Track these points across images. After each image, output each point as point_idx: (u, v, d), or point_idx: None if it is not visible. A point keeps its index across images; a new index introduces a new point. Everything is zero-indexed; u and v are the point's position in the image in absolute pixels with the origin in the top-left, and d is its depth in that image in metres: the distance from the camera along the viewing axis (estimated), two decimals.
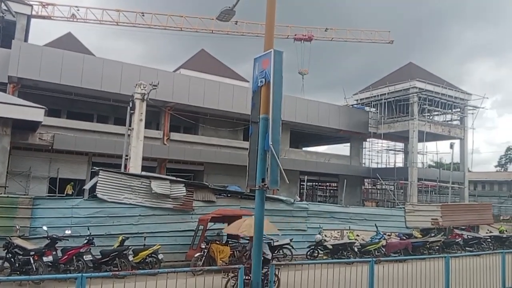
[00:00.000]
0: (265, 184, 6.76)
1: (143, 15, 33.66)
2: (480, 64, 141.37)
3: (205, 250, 11.89)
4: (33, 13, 27.42)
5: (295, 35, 38.78)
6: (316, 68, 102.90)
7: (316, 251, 14.87)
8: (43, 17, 31.53)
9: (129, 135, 19.20)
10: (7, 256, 9.86)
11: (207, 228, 12.54)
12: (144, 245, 11.90)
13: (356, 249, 14.95)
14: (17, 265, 9.74)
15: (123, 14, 33.30)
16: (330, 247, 14.65)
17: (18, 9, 21.49)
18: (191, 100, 26.39)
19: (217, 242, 12.51)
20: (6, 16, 14.59)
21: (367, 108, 37.07)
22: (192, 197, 13.73)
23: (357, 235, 16.54)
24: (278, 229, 14.80)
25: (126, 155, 19.16)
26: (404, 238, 17.16)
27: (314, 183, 42.40)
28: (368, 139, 37.37)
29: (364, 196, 38.98)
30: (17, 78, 22.00)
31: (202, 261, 11.74)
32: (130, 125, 19.28)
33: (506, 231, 22.27)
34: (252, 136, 7.26)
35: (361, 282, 7.39)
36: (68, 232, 10.81)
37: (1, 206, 10.95)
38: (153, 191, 12.89)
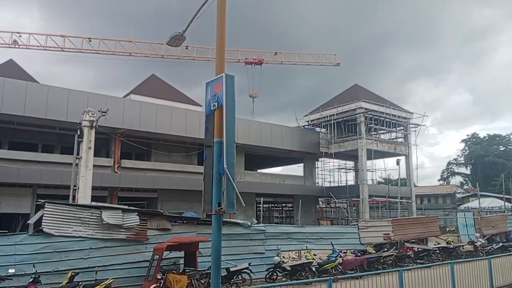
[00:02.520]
0: (221, 209, 6.71)
1: (90, 40, 33.00)
2: (419, 84, 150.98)
3: (161, 281, 11.50)
4: None
5: (246, 59, 39.59)
6: (267, 90, 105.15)
7: (275, 273, 14.82)
8: None
9: (77, 164, 18.40)
10: None
11: (163, 257, 12.15)
12: (96, 279, 11.33)
13: (314, 269, 15.06)
14: None
15: (68, 39, 32.48)
16: (289, 268, 14.66)
17: None
18: (143, 126, 25.85)
19: (174, 271, 12.14)
20: None
21: (317, 129, 38.19)
22: (146, 226, 13.30)
23: (315, 255, 16.71)
24: (236, 253, 14.72)
25: (75, 186, 18.29)
26: (359, 254, 17.57)
27: (270, 205, 42.59)
28: (320, 159, 38.34)
29: (319, 215, 39.64)
30: None
31: None
32: (78, 154, 18.50)
33: (452, 241, 23.47)
34: (206, 160, 7.22)
35: None
36: (11, 271, 10.11)
37: None
38: (104, 222, 12.36)
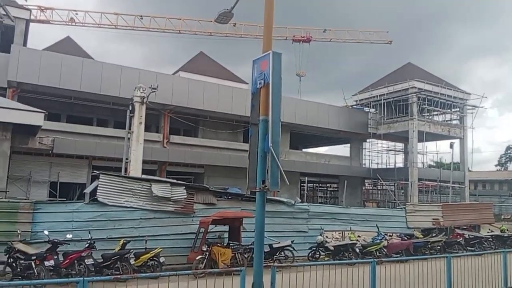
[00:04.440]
0: (265, 186, 6.76)
1: (142, 18, 33.71)
2: (480, 64, 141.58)
3: (207, 253, 11.87)
4: (32, 17, 27.47)
5: (294, 36, 38.83)
6: (314, 69, 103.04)
7: (318, 253, 14.84)
8: (42, 22, 31.57)
9: (129, 138, 19.20)
10: (9, 261, 9.85)
11: (208, 230, 12.52)
12: (146, 248, 11.88)
13: (357, 250, 14.92)
14: (18, 270, 9.73)
15: (121, 17, 33.34)
16: (332, 248, 14.62)
17: (16, 14, 21.58)
18: (191, 103, 26.39)
19: (219, 244, 12.49)
20: (5, 21, 14.59)
21: (366, 109, 37.11)
22: (192, 199, 13.71)
23: (359, 236, 16.52)
24: (279, 231, 14.87)
25: (126, 159, 19.15)
26: (406, 238, 17.14)
27: (314, 184, 42.39)
28: (368, 140, 37.40)
29: (364, 197, 38.99)
30: (17, 82, 22.02)
31: (204, 263, 11.72)
32: (130, 128, 19.28)
33: (507, 230, 22.25)
34: (252, 138, 7.26)
35: (363, 283, 7.38)
36: (69, 236, 10.77)
37: (2, 211, 10.94)
38: (153, 194, 12.87)
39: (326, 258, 14.56)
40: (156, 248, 11.62)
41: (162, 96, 23.10)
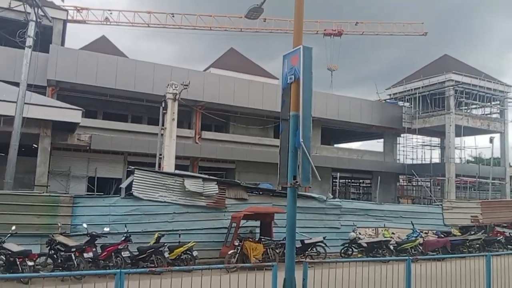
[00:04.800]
0: (296, 182, 6.72)
1: (173, 16, 34.20)
2: None
3: (239, 248, 11.97)
4: (69, 17, 28.42)
5: (325, 30, 38.29)
6: (346, 63, 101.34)
7: (350, 249, 14.66)
8: (78, 22, 32.63)
9: (162, 135, 19.62)
10: (50, 252, 10.30)
11: (240, 225, 12.62)
12: (179, 242, 12.11)
13: (392, 247, 14.63)
14: (59, 261, 10.16)
15: (154, 15, 33.97)
16: (365, 245, 14.41)
17: (54, 15, 22.38)
18: (222, 99, 26.62)
19: (250, 239, 12.56)
20: (43, 21, 15.16)
21: (400, 103, 36.18)
22: (224, 195, 13.85)
23: (393, 233, 16.19)
24: (311, 227, 14.78)
25: (160, 154, 19.59)
26: (442, 236, 16.64)
27: (346, 180, 41.85)
28: (402, 135, 36.48)
29: (399, 193, 38.10)
30: (56, 81, 22.94)
31: (236, 258, 11.82)
32: (163, 125, 19.70)
33: None
34: (282, 134, 7.23)
35: (398, 281, 7.22)
36: (106, 229, 11.13)
37: (44, 205, 11.45)
38: (186, 189, 13.10)
39: (359, 255, 14.36)
40: (189, 242, 11.84)
41: (194, 92, 23.43)
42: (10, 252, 9.41)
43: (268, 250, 12.46)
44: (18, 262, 9.25)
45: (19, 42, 14.87)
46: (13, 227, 10.04)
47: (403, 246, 14.86)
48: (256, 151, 27.77)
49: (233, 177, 26.07)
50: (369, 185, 40.08)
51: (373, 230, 17.91)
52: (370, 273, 7.04)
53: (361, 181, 42.99)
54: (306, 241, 13.60)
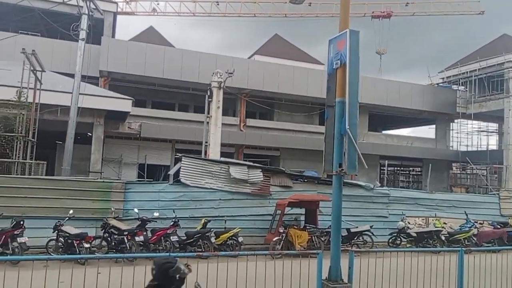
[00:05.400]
0: (342, 169, 6.61)
1: (218, 4, 34.33)
2: None
3: (283, 235, 12.00)
4: (118, 10, 29.38)
5: (373, 12, 36.89)
6: (396, 46, 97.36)
7: (399, 239, 14.27)
8: (127, 13, 33.63)
9: (207, 123, 19.95)
10: (104, 235, 10.88)
11: (285, 213, 12.64)
12: (225, 228, 12.34)
13: (443, 238, 14.07)
14: (113, 243, 10.71)
15: (199, 4, 34.29)
16: (414, 234, 13.96)
17: (105, 7, 23.19)
18: (266, 86, 26.58)
19: (295, 227, 12.56)
20: (95, 14, 15.79)
21: (454, 87, 34.33)
22: (269, 182, 13.91)
23: (444, 223, 15.53)
24: (358, 215, 14.52)
25: (206, 142, 19.96)
26: (499, 227, 15.74)
27: (395, 168, 40.61)
28: (456, 120, 34.66)
29: (452, 182, 36.41)
30: (107, 72, 23.91)
31: (281, 245, 11.88)
32: (208, 113, 20.01)
33: None
34: (328, 120, 7.11)
35: (449, 273, 6.93)
36: (156, 214, 11.57)
37: (98, 190, 12.07)
38: (231, 176, 13.28)
39: (408, 245, 13.96)
40: (235, 228, 12.04)
41: (238, 80, 23.55)
42: (68, 235, 10.05)
43: (313, 237, 12.41)
44: (75, 244, 9.86)
45: (73, 35, 15.58)
46: (71, 211, 10.68)
47: (456, 236, 14.25)
48: (300, 138, 27.57)
49: (278, 165, 26.09)
50: (419, 173, 38.67)
51: (423, 219, 17.25)
52: (419, 263, 6.81)
53: (411, 169, 41.56)
54: (352, 230, 13.40)
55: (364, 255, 7.60)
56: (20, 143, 14.12)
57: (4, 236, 9.49)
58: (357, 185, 15.34)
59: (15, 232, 9.58)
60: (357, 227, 13.62)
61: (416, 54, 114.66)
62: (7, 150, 14.16)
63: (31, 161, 14.55)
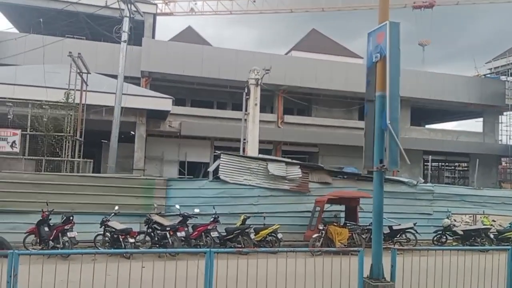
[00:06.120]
0: (383, 165, 6.47)
1: (254, 1, 34.39)
2: None
3: (323, 232, 11.90)
4: (158, 11, 30.10)
5: (414, 2, 35.61)
6: (439, 36, 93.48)
7: (444, 237, 13.76)
8: (166, 14, 34.41)
9: (245, 120, 20.07)
10: (148, 230, 11.24)
11: (324, 209, 12.52)
12: (264, 224, 12.41)
13: (492, 236, 13.44)
14: (156, 238, 11.04)
15: (235, 2, 34.49)
16: (461, 232, 13.41)
17: (145, 9, 23.88)
18: (304, 82, 26.39)
19: (335, 224, 12.41)
20: (136, 16, 16.29)
21: (503, 77, 32.56)
22: (307, 178, 13.82)
23: (493, 221, 14.84)
24: (400, 212, 14.14)
25: (244, 139, 20.10)
26: None
27: (440, 164, 39.13)
28: (505, 113, 32.86)
29: (501, 177, 34.61)
30: (148, 72, 24.62)
31: (320, 242, 11.79)
32: (246, 110, 20.12)
33: None
34: (367, 115, 6.97)
35: (498, 272, 6.62)
36: (197, 210, 11.79)
37: (141, 187, 12.48)
38: (270, 173, 13.31)
39: (454, 243, 13.45)
40: (274, 225, 12.07)
41: (276, 76, 23.50)
42: (114, 230, 10.46)
43: (354, 235, 12.21)
44: (121, 239, 10.24)
45: (116, 38, 16.14)
46: (116, 207, 11.11)
47: (506, 234, 13.55)
48: (339, 134, 27.16)
49: (316, 161, 25.86)
50: (466, 168, 37.08)
51: (470, 217, 16.55)
52: (466, 262, 6.54)
53: (456, 164, 39.91)
54: (394, 227, 13.07)
55: (407, 253, 7.40)
56: (68, 143, 14.84)
57: (55, 231, 10.01)
58: (399, 181, 14.95)
59: (65, 227, 10.07)
60: (399, 224, 13.27)
61: (461, 45, 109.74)
62: (57, 149, 14.91)
63: (79, 159, 15.24)
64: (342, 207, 13.55)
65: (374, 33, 6.85)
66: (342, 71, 26.95)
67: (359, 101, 26.90)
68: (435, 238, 13.81)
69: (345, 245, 11.59)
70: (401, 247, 11.28)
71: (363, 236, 12.35)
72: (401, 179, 15.36)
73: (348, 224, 12.64)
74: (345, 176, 14.83)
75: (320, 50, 32.61)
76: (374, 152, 6.63)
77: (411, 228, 13.15)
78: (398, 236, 13.08)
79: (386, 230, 12.35)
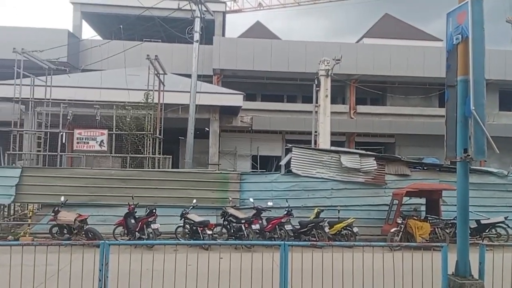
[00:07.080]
0: (468, 155, 6.01)
1: None
2: None
3: (402, 226, 11.39)
4: (227, 9, 30.76)
5: None
6: None
7: None
8: (235, 11, 35.08)
9: (316, 112, 19.82)
10: (224, 223, 11.62)
11: (402, 202, 11.96)
12: (338, 217, 12.20)
13: None
14: (232, 231, 11.38)
15: None
16: None
17: (215, 8, 24.55)
18: (377, 70, 25.36)
19: (415, 217, 11.80)
20: (206, 16, 16.82)
21: None
22: (383, 170, 13.29)
23: None
24: (489, 205, 13.06)
25: (315, 131, 19.87)
26: None
27: None
28: None
29: None
30: (220, 69, 25.33)
31: (399, 236, 11.30)
32: (316, 102, 19.85)
33: None
34: (449, 102, 6.51)
35: None
36: (270, 203, 11.93)
37: (217, 181, 12.93)
38: (343, 166, 13.02)
39: None
40: (348, 218, 11.80)
41: (347, 66, 22.89)
42: (193, 222, 10.96)
43: (436, 229, 11.51)
44: (199, 231, 10.71)
45: (188, 38, 16.80)
46: (194, 201, 11.64)
47: None
48: (417, 123, 25.72)
49: (393, 152, 24.77)
50: None
51: None
52: None
53: None
54: (482, 221, 12.08)
55: (497, 249, 6.80)
56: (149, 140, 15.80)
57: (140, 223, 10.76)
58: (487, 172, 13.79)
59: (149, 219, 10.78)
60: (488, 218, 12.24)
61: None
62: (140, 146, 15.98)
63: (159, 156, 16.16)
64: (423, 200, 12.85)
65: (454, 13, 6.35)
66: (419, 56, 25.43)
67: (439, 87, 25.25)
68: None
69: (426, 240, 10.98)
70: (490, 243, 10.41)
71: (447, 230, 11.61)
72: (489, 169, 14.14)
73: (429, 218, 11.95)
74: (425, 168, 14.02)
75: (394, 35, 31.05)
76: (457, 141, 6.18)
77: (502, 222, 12.05)
78: (487, 231, 12.07)
79: (473, 225, 11.47)
